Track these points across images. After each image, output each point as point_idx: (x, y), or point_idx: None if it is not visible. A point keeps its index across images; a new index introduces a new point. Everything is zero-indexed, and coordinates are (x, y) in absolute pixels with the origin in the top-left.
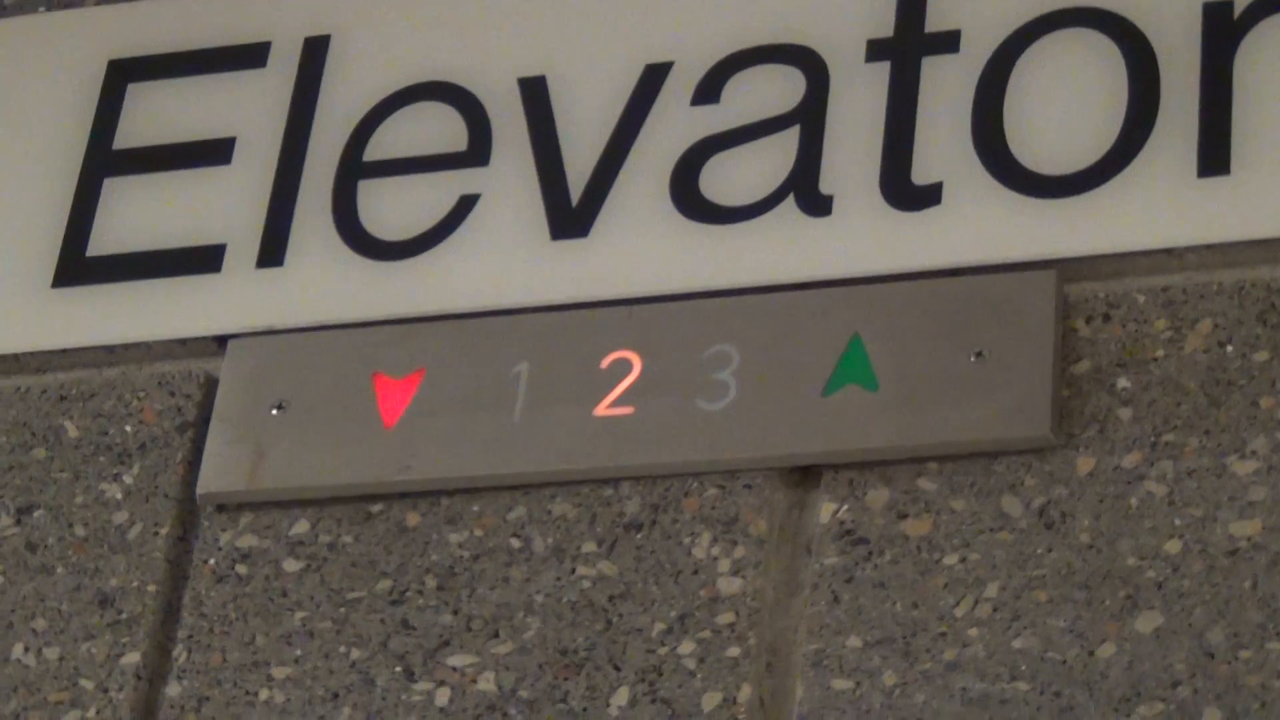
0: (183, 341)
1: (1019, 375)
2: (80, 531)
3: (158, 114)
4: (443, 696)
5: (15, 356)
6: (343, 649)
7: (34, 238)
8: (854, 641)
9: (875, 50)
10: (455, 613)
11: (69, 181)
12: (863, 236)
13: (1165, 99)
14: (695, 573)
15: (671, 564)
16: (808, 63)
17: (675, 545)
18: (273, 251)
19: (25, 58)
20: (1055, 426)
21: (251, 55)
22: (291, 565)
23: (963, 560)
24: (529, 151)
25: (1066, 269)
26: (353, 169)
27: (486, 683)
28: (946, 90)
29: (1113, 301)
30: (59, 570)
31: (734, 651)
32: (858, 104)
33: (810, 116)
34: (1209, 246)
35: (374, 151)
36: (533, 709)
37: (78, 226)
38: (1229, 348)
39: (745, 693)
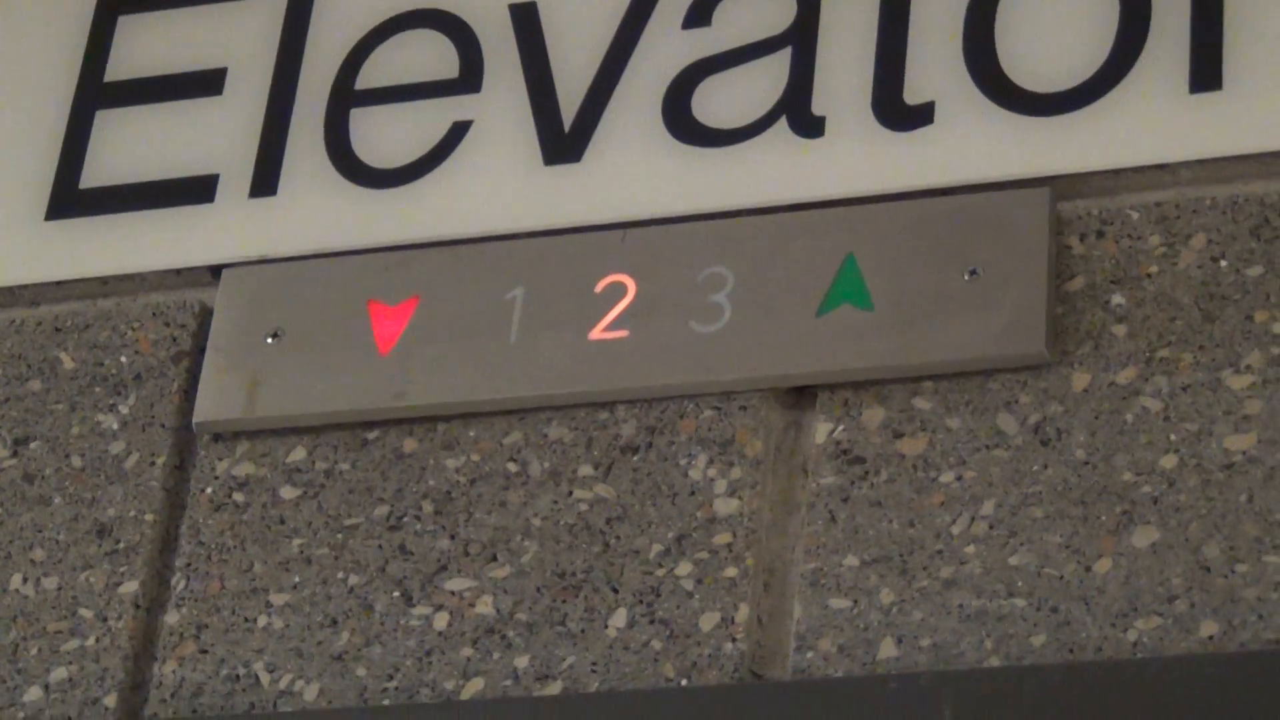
0: (177, 272)
1: (1013, 293)
2: (77, 462)
3: (149, 45)
4: (441, 620)
5: (10, 289)
6: (341, 575)
7: (27, 171)
8: (851, 560)
9: None
10: (453, 537)
11: (61, 114)
12: (855, 157)
13: (1157, 15)
14: (692, 494)
15: (668, 486)
16: None
17: (672, 467)
18: (266, 181)
19: None
20: (1050, 344)
21: None
22: (289, 492)
23: (959, 478)
24: (521, 77)
25: (1060, 186)
26: (345, 97)
27: (485, 606)
28: (938, 9)
29: (1106, 218)
30: (56, 501)
31: (731, 572)
32: (849, 24)
33: (801, 38)
34: (1202, 162)
35: (366, 80)
36: (531, 631)
37: (70, 159)
38: (1223, 263)
39: (743, 613)
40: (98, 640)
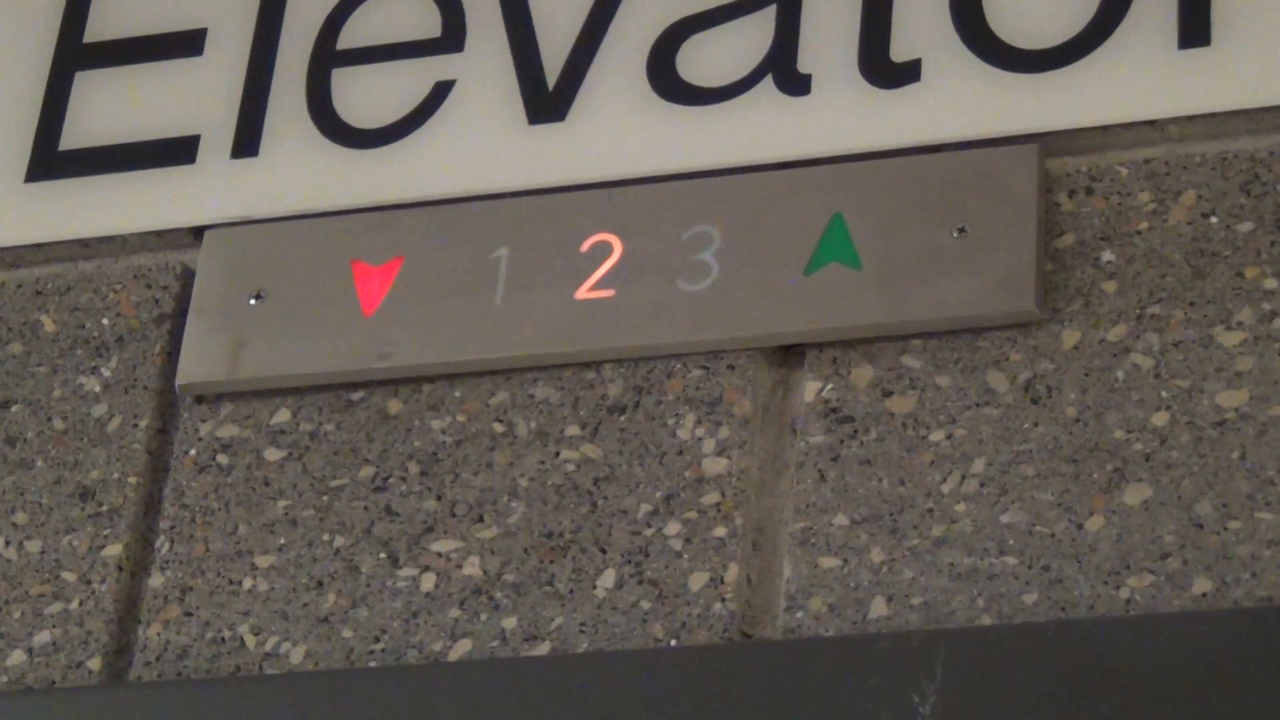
0: (158, 233)
1: (1002, 250)
2: (59, 425)
3: (128, 6)
4: (428, 582)
5: None
6: (326, 537)
7: (5, 133)
8: (841, 519)
9: None
10: (439, 498)
11: (40, 76)
12: (842, 115)
13: None
14: (680, 454)
15: (656, 445)
16: None
17: (659, 427)
18: (247, 142)
19: None
20: (1040, 301)
21: None
22: (273, 454)
23: (949, 436)
24: (504, 36)
25: (1048, 143)
26: (326, 57)
27: (472, 567)
28: None
29: (1095, 175)
30: (39, 464)
31: (720, 531)
32: None
33: None
34: (1191, 118)
35: (347, 39)
36: (519, 593)
37: (50, 121)
38: (1213, 219)
39: (732, 572)
40: (81, 603)
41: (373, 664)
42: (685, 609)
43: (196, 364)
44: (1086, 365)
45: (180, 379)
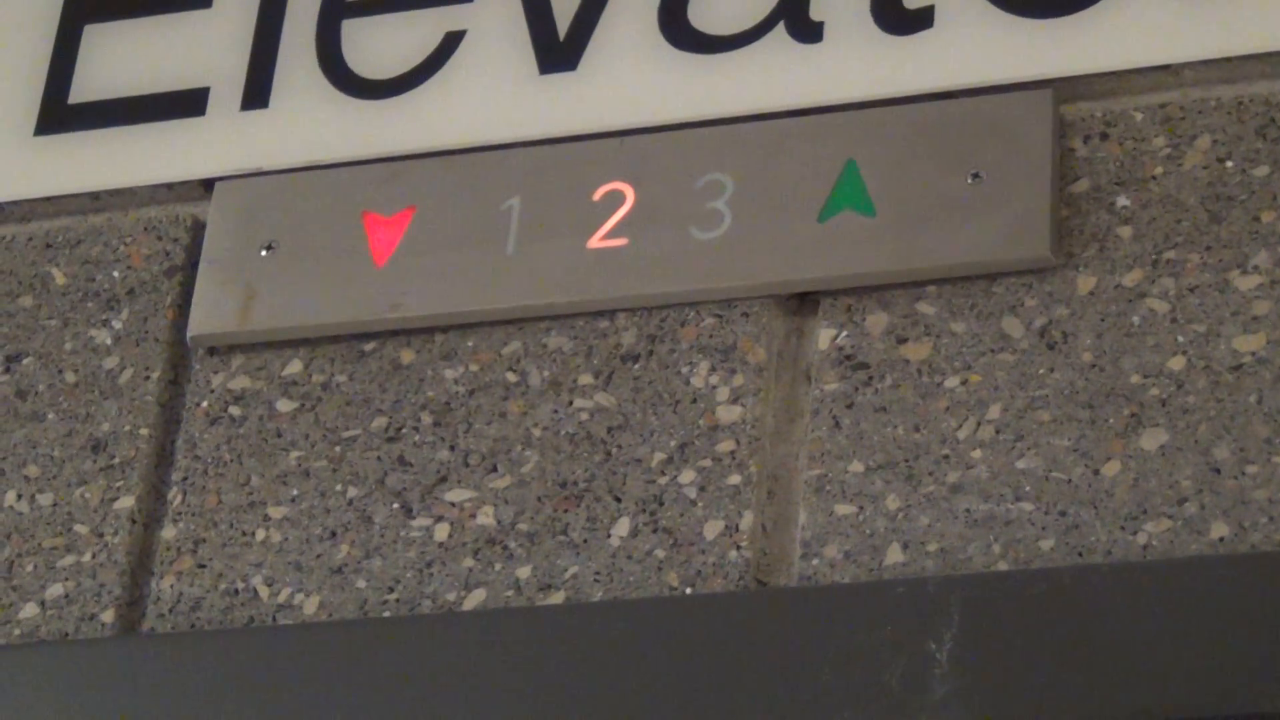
0: (169, 186)
1: (1017, 196)
2: (71, 378)
3: None
4: (441, 532)
5: (0, 205)
6: (339, 487)
7: (15, 86)
8: (856, 466)
9: None
10: (452, 448)
11: (49, 28)
12: (855, 62)
13: None
14: (694, 402)
15: (670, 394)
16: None
17: (673, 375)
18: (257, 93)
19: None
20: (1055, 246)
21: None
22: (285, 405)
23: (964, 383)
24: None
25: (1062, 88)
26: (336, 8)
27: (485, 517)
28: None
29: (1110, 120)
30: (50, 417)
31: (735, 479)
32: None
33: None
34: (1206, 62)
35: None
36: (533, 542)
37: (59, 74)
38: (1228, 163)
39: (747, 520)
40: (94, 556)
41: (386, 614)
42: (700, 557)
43: (208, 316)
44: (1102, 310)
45: (191, 331)
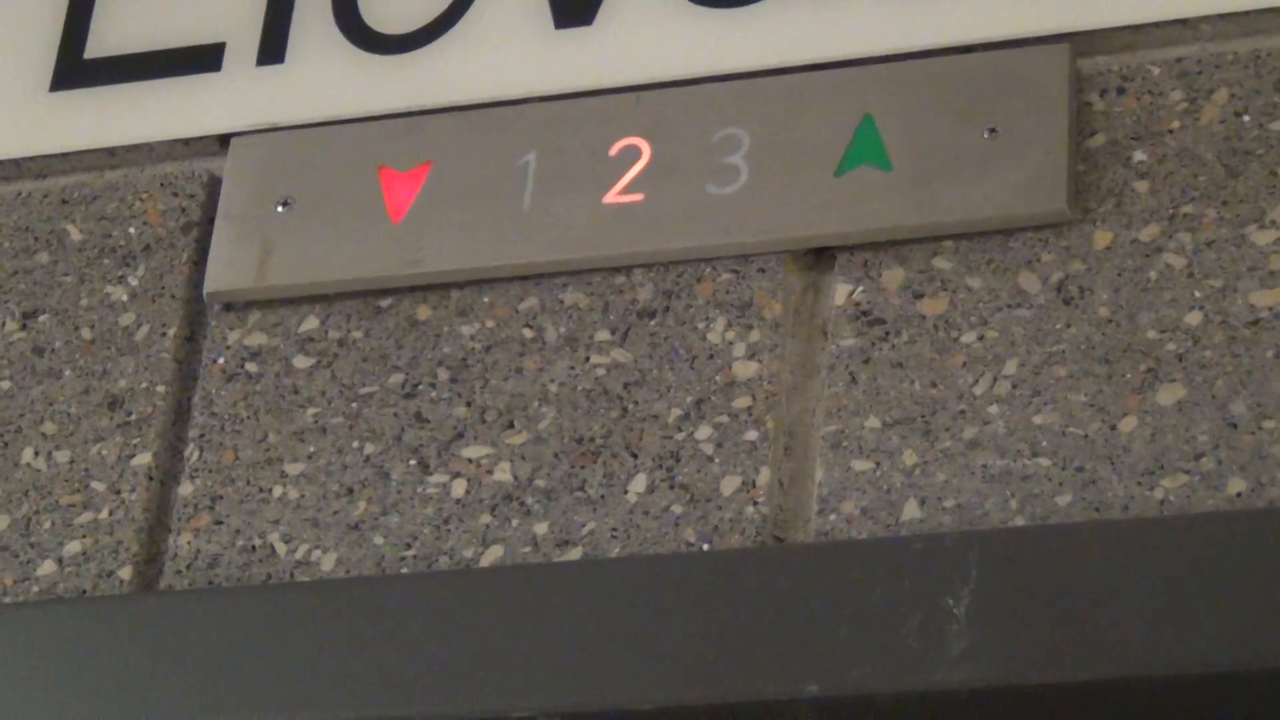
0: (185, 141)
1: (1033, 151)
2: (87, 334)
3: None
4: (459, 488)
5: (15, 161)
6: (356, 444)
7: (30, 41)
8: (873, 422)
9: None
10: (469, 405)
11: None
12: (872, 15)
13: None
14: (710, 357)
15: (686, 349)
16: None
17: (690, 331)
18: (273, 48)
19: None
20: (1071, 201)
21: None
22: (302, 362)
23: (981, 338)
24: None
25: (1079, 42)
26: None
27: (502, 473)
28: None
29: (1126, 74)
30: (67, 373)
31: (751, 435)
32: None
33: None
34: (1223, 16)
35: None
36: (550, 498)
37: (74, 29)
38: (1246, 117)
39: (764, 476)
40: (111, 513)
41: (404, 571)
42: (717, 513)
43: (224, 272)
44: (1119, 265)
45: (208, 287)
